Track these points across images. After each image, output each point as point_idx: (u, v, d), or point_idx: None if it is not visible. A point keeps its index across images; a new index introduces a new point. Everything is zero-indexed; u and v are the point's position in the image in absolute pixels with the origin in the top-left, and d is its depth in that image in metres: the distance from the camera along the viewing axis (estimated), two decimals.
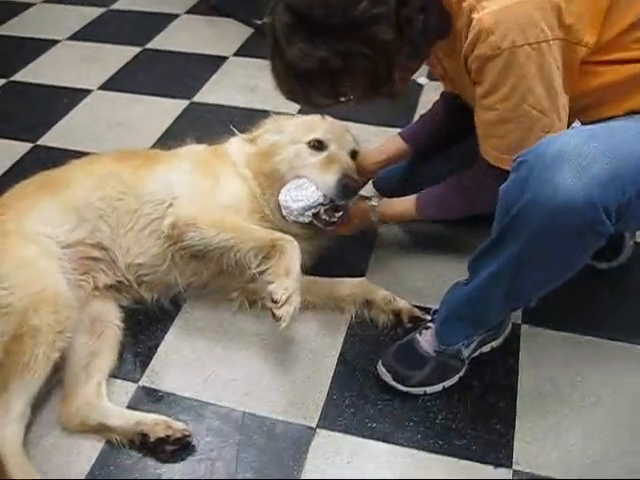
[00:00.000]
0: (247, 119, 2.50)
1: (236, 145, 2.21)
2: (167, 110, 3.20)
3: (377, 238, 2.42)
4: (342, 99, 1.71)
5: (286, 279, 1.77)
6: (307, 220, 1.99)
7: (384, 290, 2.08)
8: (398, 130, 2.91)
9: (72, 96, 3.31)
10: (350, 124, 2.81)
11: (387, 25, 1.52)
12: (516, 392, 1.87)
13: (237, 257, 1.88)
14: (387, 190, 2.43)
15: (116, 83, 3.44)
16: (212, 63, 3.61)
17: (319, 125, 2.10)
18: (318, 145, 2.05)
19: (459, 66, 1.72)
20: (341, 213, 2.00)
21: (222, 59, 3.66)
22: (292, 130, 2.13)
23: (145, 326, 2.06)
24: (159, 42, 3.86)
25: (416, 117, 3.02)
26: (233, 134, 2.27)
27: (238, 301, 2.09)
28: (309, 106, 1.77)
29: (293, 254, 1.84)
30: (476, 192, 1.94)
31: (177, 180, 2.06)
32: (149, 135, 3.00)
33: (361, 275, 2.21)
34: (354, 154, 2.11)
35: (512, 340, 2.00)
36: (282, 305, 1.71)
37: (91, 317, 1.94)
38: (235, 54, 3.71)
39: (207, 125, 3.04)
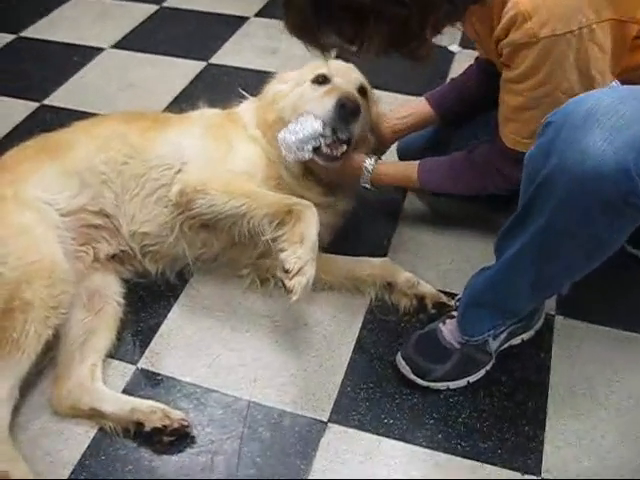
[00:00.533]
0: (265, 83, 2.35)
1: (246, 107, 2.05)
2: (182, 72, 3.03)
3: (400, 214, 2.25)
4: (353, 46, 1.48)
5: (300, 247, 1.61)
6: (308, 156, 1.79)
7: (407, 272, 1.92)
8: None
9: (83, 54, 3.14)
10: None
11: None
12: (547, 390, 1.72)
13: (250, 225, 1.72)
14: (409, 158, 2.23)
15: (130, 42, 3.26)
16: (232, 23, 3.42)
17: (324, 65, 1.89)
18: (322, 79, 1.88)
19: (490, 37, 1.56)
20: (345, 147, 1.81)
21: (243, 19, 3.46)
22: (296, 76, 1.98)
23: (147, 302, 1.92)
24: (177, 0, 3.66)
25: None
26: (245, 97, 2.10)
27: (249, 278, 1.94)
28: (313, 45, 1.51)
29: (310, 220, 1.67)
30: (486, 171, 1.79)
31: (187, 144, 1.90)
32: (162, 97, 2.84)
33: (383, 255, 2.06)
34: (362, 90, 1.91)
35: (544, 333, 1.84)
36: (294, 275, 1.56)
37: (89, 291, 1.80)
38: (257, 14, 3.51)
39: (224, 88, 2.86)
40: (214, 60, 3.11)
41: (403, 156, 2.26)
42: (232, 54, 3.16)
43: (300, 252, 1.60)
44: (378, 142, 2.07)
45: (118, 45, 3.23)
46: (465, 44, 3.20)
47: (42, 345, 1.57)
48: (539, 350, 1.81)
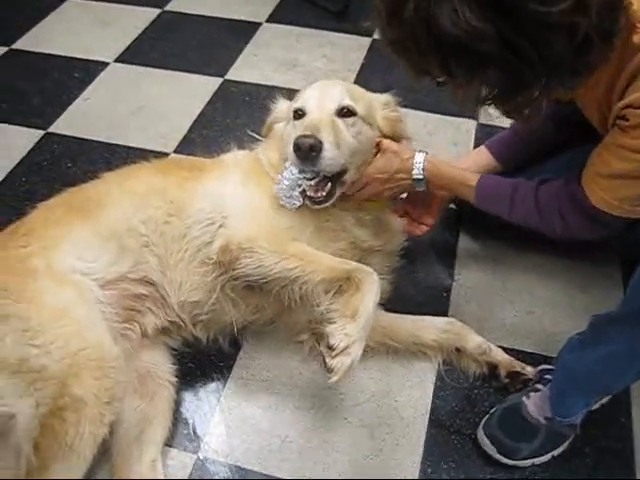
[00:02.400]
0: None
1: (264, 150, 1.85)
2: (197, 89, 2.80)
3: (456, 259, 2.11)
4: (455, 82, 1.30)
5: (352, 322, 1.46)
6: (299, 202, 1.66)
7: (477, 336, 1.79)
8: (463, 120, 2.62)
9: (85, 70, 2.90)
10: (410, 111, 2.52)
11: (570, 39, 1.15)
12: (633, 459, 1.62)
13: (302, 290, 1.56)
14: None
15: (135, 55, 3.01)
16: (243, 31, 3.18)
17: (303, 93, 1.75)
18: (300, 114, 1.69)
19: (594, 98, 1.45)
20: (329, 185, 1.64)
21: (254, 26, 3.22)
22: (289, 107, 1.79)
23: (199, 377, 1.77)
24: (180, 3, 3.40)
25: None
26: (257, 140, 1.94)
27: (308, 344, 1.79)
28: (409, 66, 1.31)
29: (370, 291, 1.52)
30: (549, 211, 1.64)
31: (227, 195, 1.72)
32: (179, 121, 2.63)
33: (444, 307, 1.95)
34: (344, 111, 1.68)
35: (621, 394, 1.73)
36: (338, 354, 1.42)
37: (140, 374, 1.64)
38: (268, 20, 3.27)
39: (246, 110, 2.68)
40: (231, 76, 2.88)
41: None
42: (248, 68, 2.94)
43: (350, 328, 1.45)
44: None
45: (123, 58, 2.98)
46: None
47: (98, 445, 1.41)
48: (619, 413, 1.71)
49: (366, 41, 3.10)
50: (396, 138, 1.80)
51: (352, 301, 1.49)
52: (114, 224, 1.67)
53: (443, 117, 2.64)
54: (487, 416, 1.65)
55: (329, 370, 1.41)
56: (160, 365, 1.68)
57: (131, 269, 1.66)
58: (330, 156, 1.58)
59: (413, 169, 1.72)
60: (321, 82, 1.79)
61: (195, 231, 1.68)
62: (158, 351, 1.70)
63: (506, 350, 1.79)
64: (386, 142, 1.76)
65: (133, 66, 2.93)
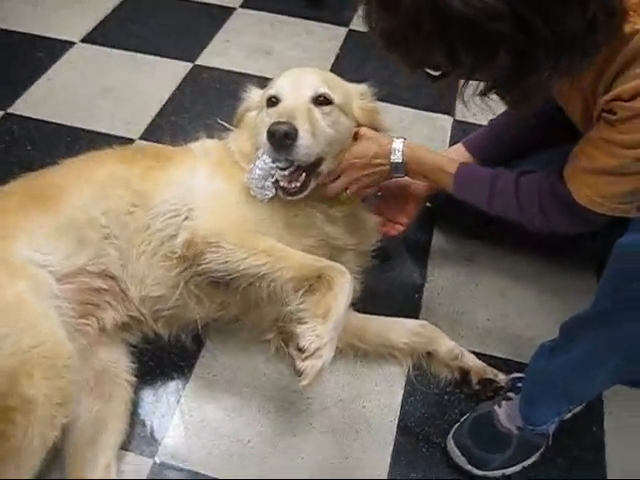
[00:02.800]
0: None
1: (235, 139, 1.76)
2: (166, 73, 2.69)
3: (429, 259, 2.05)
4: (459, 72, 1.21)
5: (323, 323, 1.39)
6: (271, 193, 1.58)
7: (449, 340, 1.74)
8: (438, 116, 2.56)
9: (50, 49, 2.76)
10: (385, 105, 2.46)
11: (582, 14, 1.09)
12: (605, 469, 1.60)
13: (270, 288, 1.49)
14: None
15: (103, 35, 2.88)
16: (216, 15, 3.07)
17: (277, 79, 1.68)
18: (274, 101, 1.62)
19: (578, 91, 1.40)
20: (303, 175, 1.58)
21: (227, 11, 3.12)
22: (262, 95, 1.72)
23: (159, 376, 1.68)
24: None
25: (458, 98, 2.64)
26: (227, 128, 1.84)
27: (274, 344, 1.72)
28: (404, 59, 1.25)
29: (342, 290, 1.45)
30: (528, 202, 1.58)
31: (194, 186, 1.64)
32: (147, 106, 2.52)
33: (415, 308, 1.90)
34: (320, 99, 1.61)
35: (594, 402, 1.70)
36: (308, 357, 1.35)
37: (97, 372, 1.55)
38: (242, 5, 3.16)
39: (215, 97, 2.59)
40: (201, 61, 2.78)
41: None
42: (220, 54, 2.83)
43: (321, 329, 1.37)
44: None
45: (89, 39, 2.84)
46: None
47: (48, 448, 1.33)
48: (591, 423, 1.68)
49: (342, 31, 3.02)
50: (373, 129, 1.73)
51: (324, 300, 1.41)
52: (73, 214, 1.57)
53: (419, 112, 2.58)
54: (457, 425, 1.60)
55: (299, 373, 1.34)
56: (118, 363, 1.59)
57: (90, 262, 1.57)
58: (305, 144, 1.50)
59: (392, 154, 1.66)
60: (296, 69, 1.72)
61: (159, 223, 1.59)
62: (116, 348, 1.61)
63: (479, 355, 1.74)
64: (364, 129, 1.70)
65: (100, 47, 2.80)
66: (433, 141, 2.44)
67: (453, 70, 1.22)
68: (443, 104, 2.61)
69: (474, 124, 2.52)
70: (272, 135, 1.48)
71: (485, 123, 2.51)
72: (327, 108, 1.61)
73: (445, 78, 1.26)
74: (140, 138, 2.36)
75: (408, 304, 1.90)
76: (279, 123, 1.49)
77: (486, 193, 1.62)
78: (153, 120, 2.44)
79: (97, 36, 2.86)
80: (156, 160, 1.71)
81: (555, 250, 2.00)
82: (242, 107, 1.78)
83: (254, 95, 1.77)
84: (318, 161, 1.59)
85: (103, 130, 2.38)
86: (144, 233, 1.59)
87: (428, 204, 2.09)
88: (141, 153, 1.76)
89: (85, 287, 1.57)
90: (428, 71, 1.28)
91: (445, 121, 2.56)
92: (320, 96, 1.60)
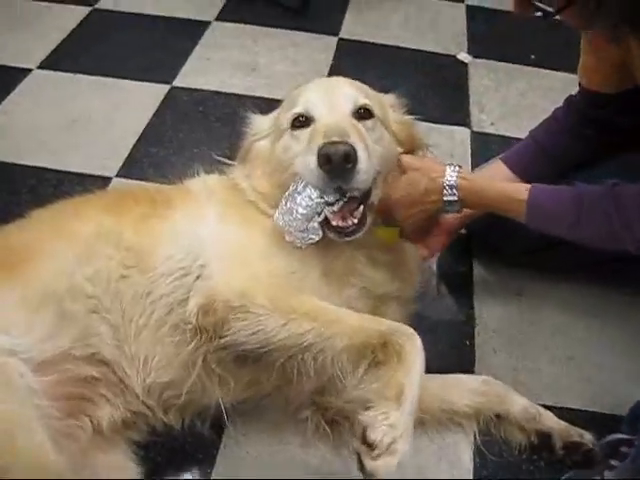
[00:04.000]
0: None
1: (244, 176, 1.44)
2: (141, 99, 2.37)
3: (474, 297, 1.76)
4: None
5: (396, 409, 1.07)
6: (317, 236, 1.28)
7: (520, 397, 1.45)
8: (454, 128, 2.30)
9: (3, 78, 2.40)
10: None
11: None
12: None
13: (319, 362, 1.17)
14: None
15: (62, 59, 2.54)
16: (190, 31, 2.77)
17: (300, 94, 1.38)
18: (303, 121, 1.34)
19: None
20: (361, 208, 1.28)
21: (202, 25, 2.80)
22: (273, 121, 1.43)
23: (172, 475, 1.34)
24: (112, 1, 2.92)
25: (472, 107, 2.39)
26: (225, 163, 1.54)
27: (312, 423, 1.40)
28: None
29: (415, 362, 1.14)
30: (636, 220, 1.27)
31: (203, 235, 1.32)
32: (121, 137, 2.20)
33: (468, 358, 1.61)
34: (361, 112, 1.34)
35: None
36: (380, 454, 1.03)
37: None
38: (218, 18, 2.85)
39: (201, 122, 2.29)
40: (179, 82, 2.46)
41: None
42: (200, 73, 2.52)
43: (394, 418, 1.06)
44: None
45: (48, 64, 2.49)
46: (476, 52, 2.72)
47: None
48: None
49: (332, 40, 2.77)
50: (412, 146, 1.46)
51: (394, 378, 1.10)
52: (49, 283, 1.24)
53: (432, 125, 2.30)
54: None
55: (368, 474, 1.03)
56: (121, 470, 1.26)
57: (75, 344, 1.23)
58: (365, 168, 1.22)
59: (445, 189, 1.36)
60: (321, 79, 1.45)
61: (163, 287, 1.26)
62: (117, 451, 1.28)
63: (549, 409, 1.46)
64: (406, 158, 1.41)
65: (61, 73, 2.45)
66: (454, 157, 2.16)
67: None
68: (456, 115, 2.36)
69: (494, 135, 2.29)
70: (327, 159, 1.19)
71: (506, 132, 2.26)
72: (370, 122, 1.33)
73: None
74: (117, 176, 2.03)
75: (459, 353, 1.63)
76: (334, 143, 1.19)
77: (571, 216, 1.31)
78: (130, 154, 2.12)
79: (56, 61, 2.52)
80: (151, 206, 1.38)
81: (614, 276, 1.73)
82: (248, 139, 1.46)
83: (260, 123, 1.46)
84: (369, 190, 1.29)
85: (73, 169, 2.05)
86: (144, 301, 1.26)
87: (463, 230, 1.80)
88: (131, 198, 1.42)
89: (71, 377, 1.23)
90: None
91: (462, 133, 2.30)
92: (361, 108, 1.33)
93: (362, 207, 1.27)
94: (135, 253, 1.29)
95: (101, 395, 1.26)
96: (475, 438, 1.44)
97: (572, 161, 1.65)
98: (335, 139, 1.20)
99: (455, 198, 1.37)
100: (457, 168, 1.38)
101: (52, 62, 2.51)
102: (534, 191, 1.35)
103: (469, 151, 2.22)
